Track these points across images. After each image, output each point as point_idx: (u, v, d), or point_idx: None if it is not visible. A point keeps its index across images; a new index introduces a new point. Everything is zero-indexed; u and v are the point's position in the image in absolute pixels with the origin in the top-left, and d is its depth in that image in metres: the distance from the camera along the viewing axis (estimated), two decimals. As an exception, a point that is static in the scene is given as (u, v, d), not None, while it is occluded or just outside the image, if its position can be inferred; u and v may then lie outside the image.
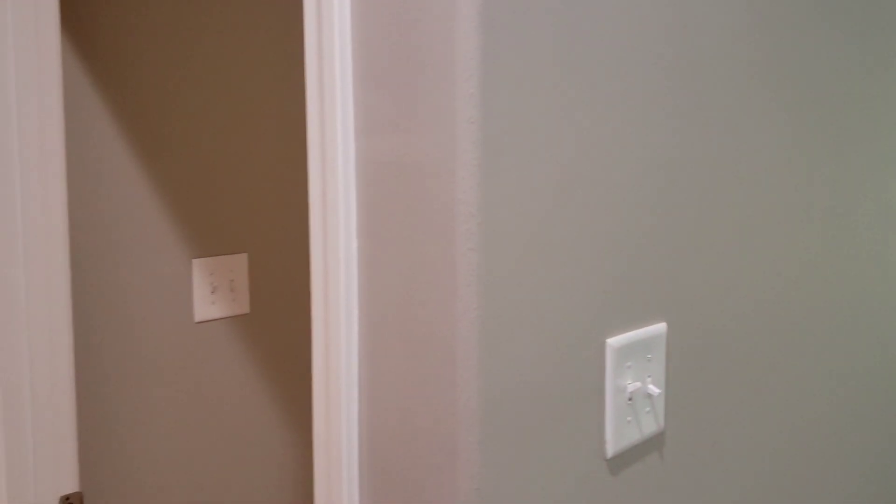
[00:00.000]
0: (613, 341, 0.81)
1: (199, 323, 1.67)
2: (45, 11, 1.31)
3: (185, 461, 1.66)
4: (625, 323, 0.83)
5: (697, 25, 0.89)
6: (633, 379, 0.84)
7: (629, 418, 0.83)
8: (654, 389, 0.84)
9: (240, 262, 1.72)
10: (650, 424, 0.87)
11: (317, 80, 0.76)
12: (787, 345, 1.10)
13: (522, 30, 0.68)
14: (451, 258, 0.67)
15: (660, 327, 0.87)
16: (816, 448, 1.19)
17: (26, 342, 1.33)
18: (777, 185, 1.04)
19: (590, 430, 0.80)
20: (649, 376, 0.86)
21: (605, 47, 0.77)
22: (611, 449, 0.82)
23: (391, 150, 0.71)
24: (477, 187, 0.66)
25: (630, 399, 0.83)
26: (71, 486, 1.39)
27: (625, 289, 0.83)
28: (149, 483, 1.61)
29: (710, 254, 0.94)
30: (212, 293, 1.68)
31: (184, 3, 1.59)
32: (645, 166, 0.83)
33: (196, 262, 1.65)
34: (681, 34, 0.86)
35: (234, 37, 1.67)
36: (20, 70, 1.29)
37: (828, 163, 1.15)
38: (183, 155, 1.61)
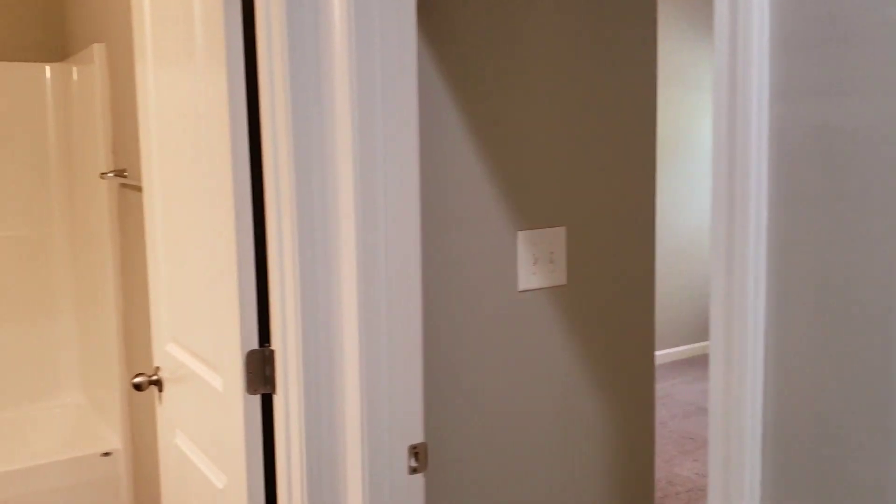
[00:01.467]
0: None
1: (521, 291, 1.73)
2: (406, 18, 1.42)
3: (509, 418, 1.74)
4: None
5: None
6: None
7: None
8: None
9: (559, 235, 1.76)
10: None
11: (728, 45, 0.75)
12: None
13: None
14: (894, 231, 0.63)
15: None
16: None
17: (385, 302, 1.46)
18: None
19: None
20: None
21: None
22: None
23: (816, 115, 0.69)
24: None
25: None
26: (417, 436, 1.52)
27: None
28: (478, 438, 1.71)
29: None
30: (533, 264, 1.74)
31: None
32: None
33: (521, 235, 1.71)
34: None
35: (559, 20, 1.70)
36: (385, 58, 1.41)
37: None
38: (511, 134, 1.68)
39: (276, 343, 1.54)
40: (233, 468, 1.65)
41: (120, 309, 3.01)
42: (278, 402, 1.54)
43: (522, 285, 1.73)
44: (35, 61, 3.51)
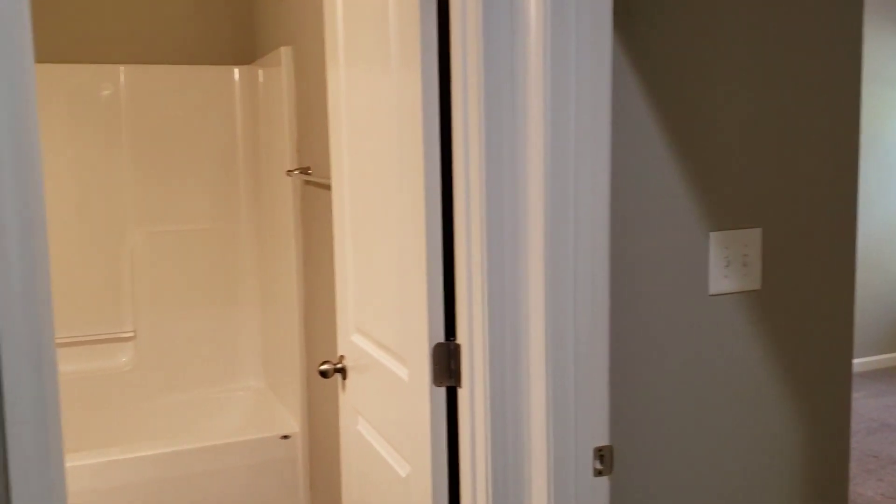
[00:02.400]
0: None
1: (712, 295, 1.67)
2: (601, 16, 1.40)
3: (694, 426, 1.69)
4: None
5: None
6: None
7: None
8: None
9: (754, 236, 1.69)
10: None
11: None
12: None
13: None
14: None
15: None
16: None
17: (572, 300, 1.45)
18: None
19: None
20: None
21: None
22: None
23: None
24: None
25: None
26: (603, 438, 1.50)
27: None
28: (662, 445, 1.67)
29: None
30: (725, 267, 1.67)
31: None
32: None
33: (713, 236, 1.65)
34: None
35: (760, 14, 1.63)
36: (580, 55, 1.40)
37: None
38: (706, 131, 1.62)
39: (461, 337, 1.56)
40: (417, 458, 1.69)
41: (301, 299, 3.16)
42: (463, 395, 1.56)
43: (713, 289, 1.67)
44: (225, 64, 3.73)
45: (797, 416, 1.79)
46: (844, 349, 1.82)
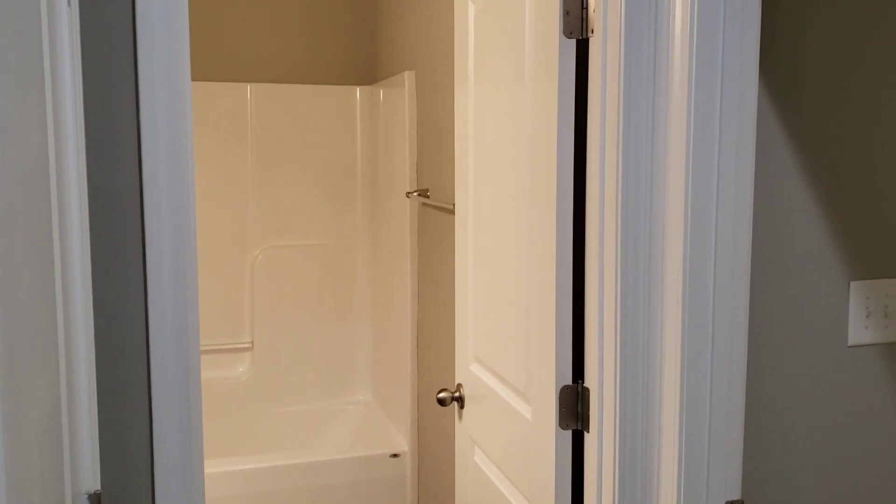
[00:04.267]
0: None
1: (851, 347, 1.61)
2: (748, 48, 1.38)
3: (831, 482, 1.63)
4: None
5: None
6: None
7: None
8: None
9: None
10: None
11: None
12: None
13: None
14: None
15: None
16: None
17: (709, 346, 1.42)
18: None
19: None
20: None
21: None
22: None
23: None
24: None
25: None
26: (735, 492, 1.46)
27: None
28: (796, 499, 1.62)
29: None
30: (866, 317, 1.61)
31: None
32: None
33: (853, 285, 1.59)
34: None
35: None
36: (726, 91, 1.37)
37: None
38: (850, 175, 1.57)
39: (590, 381, 1.55)
40: (538, 498, 1.69)
41: (415, 320, 3.21)
42: (590, 440, 1.55)
43: (852, 340, 1.61)
44: (348, 84, 3.83)
45: (940, 476, 1.70)
46: None
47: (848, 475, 1.64)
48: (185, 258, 1.45)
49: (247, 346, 3.74)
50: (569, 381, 1.60)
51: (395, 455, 3.19)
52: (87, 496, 1.14)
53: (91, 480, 1.16)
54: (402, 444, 3.26)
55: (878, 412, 1.65)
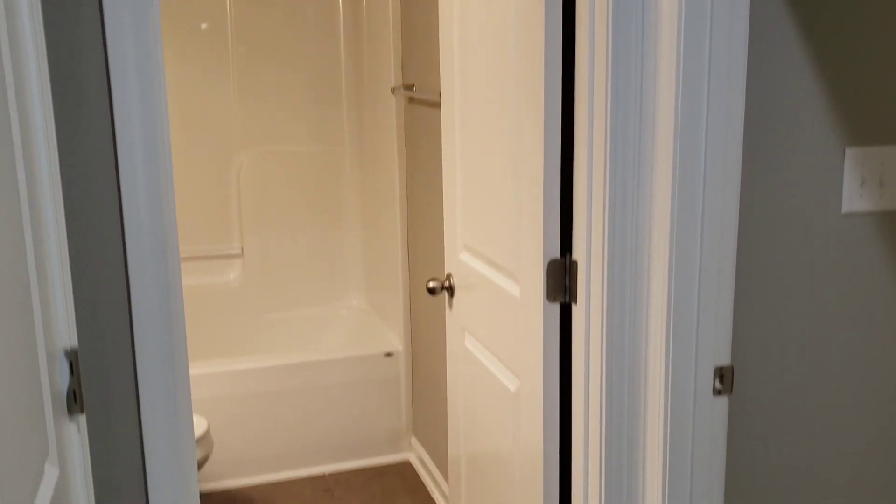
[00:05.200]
0: None
1: (845, 215, 1.58)
2: None
3: (821, 349, 1.62)
4: None
5: None
6: None
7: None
8: None
9: (892, 154, 1.58)
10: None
11: None
12: None
13: None
14: None
15: None
16: None
17: (700, 214, 1.39)
18: None
19: None
20: None
21: None
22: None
23: None
24: None
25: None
26: (724, 358, 1.45)
27: None
28: (786, 366, 1.61)
29: None
30: (861, 185, 1.57)
31: None
32: None
33: (848, 151, 1.55)
34: None
35: None
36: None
37: None
38: (851, 40, 1.51)
39: (578, 253, 1.53)
40: (528, 373, 1.68)
41: (404, 219, 3.17)
42: (578, 312, 1.54)
43: (847, 208, 1.58)
44: (329, -17, 3.70)
45: (930, 345, 1.69)
46: None
47: (839, 341, 1.63)
48: (158, 160, 1.39)
49: (237, 253, 3.71)
50: (556, 254, 1.58)
51: (388, 354, 3.20)
52: (63, 352, 1.11)
53: (67, 337, 1.14)
54: (396, 343, 3.27)
55: (869, 279, 1.63)
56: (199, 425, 2.68)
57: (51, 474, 0.99)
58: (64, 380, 1.11)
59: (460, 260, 2.08)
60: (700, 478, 1.47)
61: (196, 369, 3.00)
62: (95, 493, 1.47)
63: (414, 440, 3.26)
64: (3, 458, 0.75)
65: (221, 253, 3.70)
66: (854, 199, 1.58)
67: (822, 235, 1.58)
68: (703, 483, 1.47)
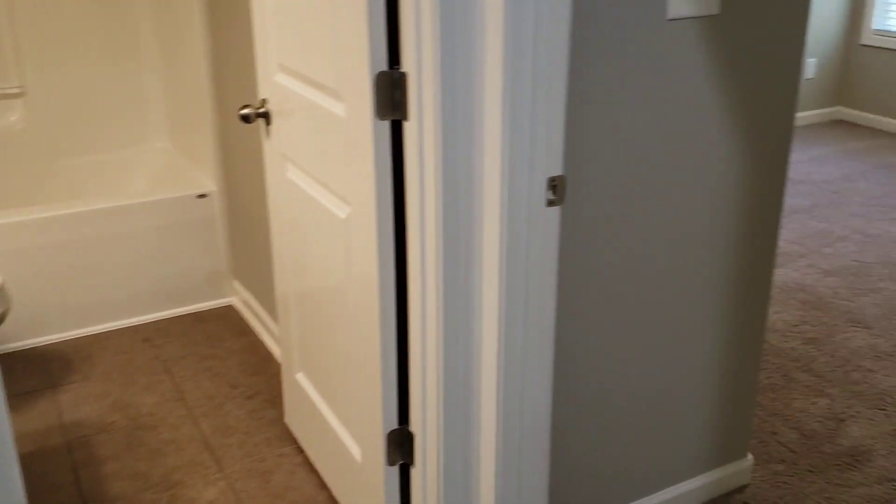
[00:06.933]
0: None
1: (670, 20, 1.57)
2: None
3: (649, 151, 1.65)
4: None
5: None
6: None
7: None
8: None
9: (716, -44, 1.56)
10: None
11: None
12: None
13: None
14: None
15: None
16: None
17: (532, 19, 1.32)
18: None
19: None
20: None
21: None
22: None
23: None
24: None
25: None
26: (556, 169, 1.44)
27: None
28: (616, 172, 1.63)
29: None
30: (685, -11, 1.56)
31: None
32: None
33: (675, -47, 1.52)
34: None
35: None
36: None
37: None
38: None
39: (407, 64, 1.43)
40: (358, 197, 1.60)
41: (208, 47, 2.90)
42: (410, 128, 1.46)
43: (672, 13, 1.57)
44: None
45: (742, 152, 1.77)
46: (791, 82, 1.79)
47: (662, 147, 1.67)
48: None
49: (16, 91, 3.29)
50: (384, 66, 1.47)
51: (201, 196, 3.01)
52: None
53: None
54: (209, 184, 3.08)
55: (693, 85, 1.65)
56: (-7, 282, 2.43)
57: None
58: None
59: (276, 82, 1.92)
60: (535, 283, 1.48)
61: (-18, 222, 2.69)
62: None
63: (237, 283, 3.15)
64: None
65: (-3, 93, 3.27)
66: (679, 2, 1.57)
67: (648, 41, 1.57)
68: (538, 287, 1.49)
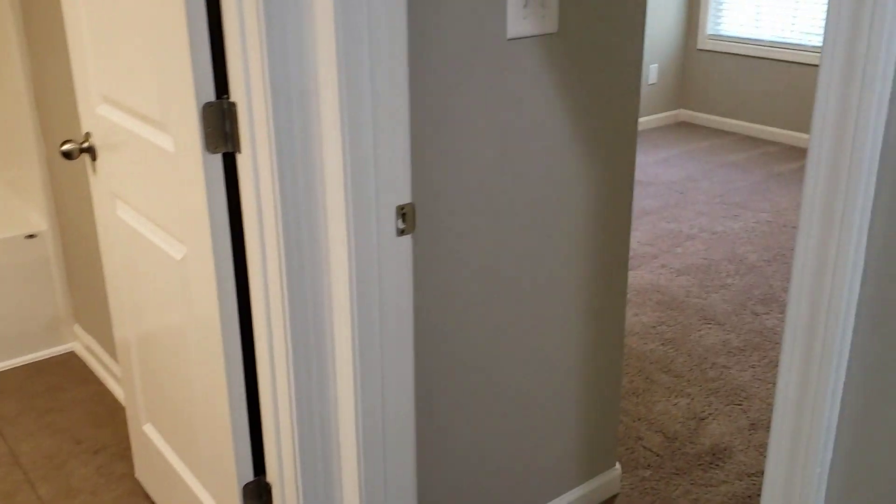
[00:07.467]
0: None
1: (511, 40, 1.55)
2: None
3: (496, 174, 1.62)
4: None
5: None
6: None
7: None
8: None
9: (551, -28, 1.55)
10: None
11: None
12: None
13: None
14: None
15: None
16: None
17: (367, 45, 1.25)
18: None
19: None
20: None
21: None
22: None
23: None
24: None
25: None
26: (405, 196, 1.37)
27: None
28: (465, 198, 1.59)
29: None
30: (524, 7, 1.54)
31: None
32: None
33: (510, -30, 1.50)
34: None
35: None
36: None
37: None
38: None
39: (236, 94, 1.33)
40: (194, 237, 1.49)
41: (28, 75, 2.68)
42: (244, 161, 1.36)
43: (512, 32, 1.54)
44: None
45: (589, 161, 1.77)
46: (632, 91, 1.80)
47: (510, 167, 1.64)
48: None
49: None
50: (212, 96, 1.36)
51: (30, 236, 2.77)
52: None
53: None
54: (40, 223, 2.84)
55: (536, 104, 1.63)
56: None
57: None
58: None
59: (99, 115, 1.77)
60: (389, 314, 1.41)
61: None
62: None
63: (78, 328, 2.92)
64: None
65: None
66: (518, 22, 1.55)
67: (489, 62, 1.54)
68: (394, 318, 1.42)
